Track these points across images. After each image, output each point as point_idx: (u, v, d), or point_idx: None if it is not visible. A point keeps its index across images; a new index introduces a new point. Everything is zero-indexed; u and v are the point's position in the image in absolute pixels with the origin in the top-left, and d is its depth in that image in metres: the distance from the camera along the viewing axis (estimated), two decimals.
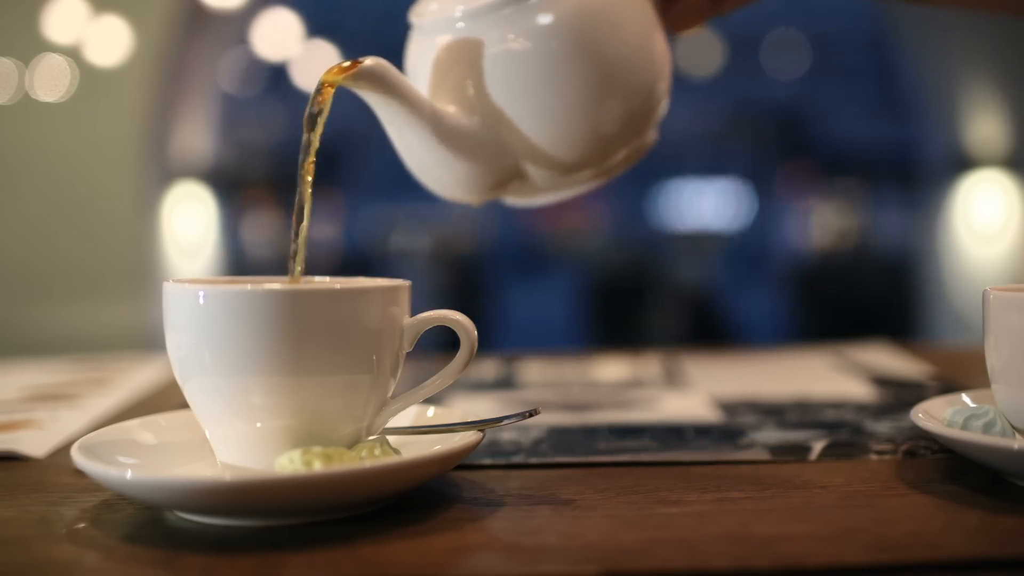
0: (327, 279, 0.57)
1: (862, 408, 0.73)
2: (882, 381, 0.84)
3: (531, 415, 0.52)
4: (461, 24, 0.61)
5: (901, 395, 0.78)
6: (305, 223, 0.54)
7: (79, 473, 0.55)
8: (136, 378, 0.92)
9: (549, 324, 5.44)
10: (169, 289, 0.51)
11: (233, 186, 4.68)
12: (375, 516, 0.47)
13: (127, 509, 0.50)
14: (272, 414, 0.49)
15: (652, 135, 0.67)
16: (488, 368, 0.95)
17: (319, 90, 0.54)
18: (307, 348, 0.49)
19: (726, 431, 0.66)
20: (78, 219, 3.44)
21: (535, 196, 0.67)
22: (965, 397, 0.60)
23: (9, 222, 3.41)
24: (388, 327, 0.51)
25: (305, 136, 0.54)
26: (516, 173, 0.63)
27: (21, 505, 0.51)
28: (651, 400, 0.78)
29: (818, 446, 0.61)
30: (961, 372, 0.88)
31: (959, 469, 0.54)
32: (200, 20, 3.64)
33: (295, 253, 0.54)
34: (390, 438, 0.53)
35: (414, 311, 0.53)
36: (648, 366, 0.95)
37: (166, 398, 0.82)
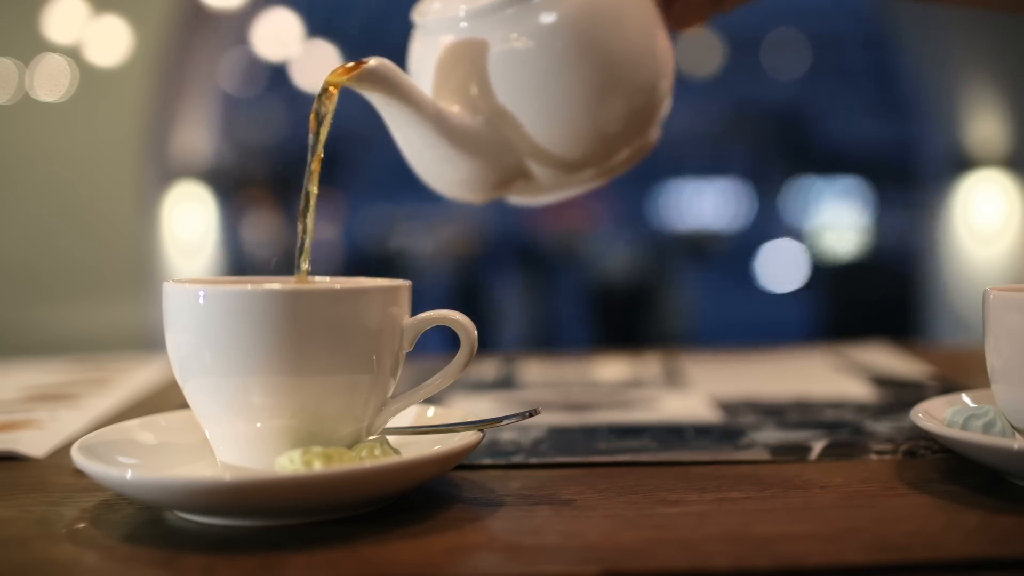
0: (327, 279, 0.57)
1: (862, 408, 0.73)
2: (882, 381, 0.84)
3: (531, 415, 0.52)
4: (464, 24, 0.61)
5: (901, 395, 0.78)
6: (311, 222, 0.54)
7: (79, 473, 0.55)
8: (136, 378, 0.92)
9: (550, 324, 5.43)
10: (169, 289, 0.51)
11: (233, 186, 4.68)
12: (375, 516, 0.47)
13: (127, 509, 0.50)
14: (272, 414, 0.49)
15: (655, 134, 0.67)
16: (488, 368, 0.95)
17: (324, 91, 0.54)
18: (307, 348, 0.49)
19: (726, 431, 0.66)
20: (78, 219, 3.44)
21: (538, 195, 0.67)
22: (965, 397, 0.60)
23: (9, 222, 3.41)
24: (388, 327, 0.51)
25: (311, 137, 0.54)
26: (519, 172, 0.63)
27: (21, 505, 0.51)
28: (651, 400, 0.78)
29: (818, 446, 0.61)
30: (961, 372, 0.88)
31: (959, 469, 0.54)
32: (200, 20, 3.64)
33: (300, 249, 0.54)
34: (390, 438, 0.53)
35: (414, 311, 0.53)
36: (648, 366, 0.95)
37: (166, 398, 0.82)
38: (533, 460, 0.58)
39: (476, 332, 0.53)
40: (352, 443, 0.52)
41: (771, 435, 0.64)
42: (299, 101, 4.26)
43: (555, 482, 0.54)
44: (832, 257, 5.89)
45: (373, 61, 0.56)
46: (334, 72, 0.55)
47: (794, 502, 0.49)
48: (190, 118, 3.91)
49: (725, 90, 6.06)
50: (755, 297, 5.94)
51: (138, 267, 3.55)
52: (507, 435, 0.64)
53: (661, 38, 0.64)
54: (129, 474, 0.47)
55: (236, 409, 0.50)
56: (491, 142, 0.61)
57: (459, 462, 0.51)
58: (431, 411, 0.58)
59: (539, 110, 0.61)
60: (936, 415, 0.55)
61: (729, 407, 0.74)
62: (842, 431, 0.65)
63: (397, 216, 5.78)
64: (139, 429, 0.55)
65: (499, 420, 0.52)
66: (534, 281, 5.38)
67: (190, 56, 3.74)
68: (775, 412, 0.72)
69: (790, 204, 6.45)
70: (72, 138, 3.41)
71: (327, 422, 0.50)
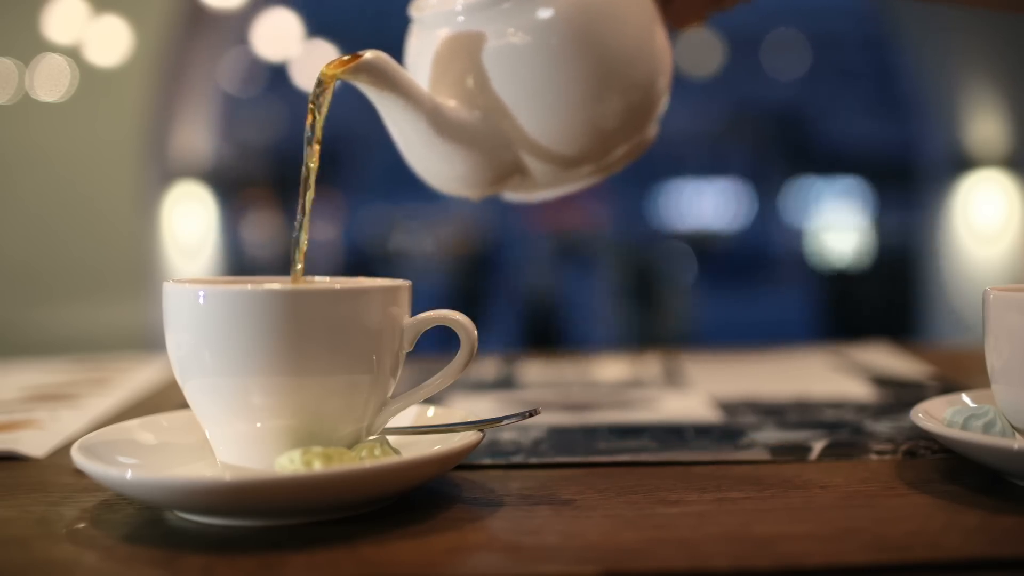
0: (327, 279, 0.57)
1: (862, 408, 0.73)
2: (882, 381, 0.84)
3: (531, 415, 0.52)
4: (461, 18, 0.61)
5: (901, 395, 0.78)
6: (306, 220, 0.54)
7: (79, 473, 0.55)
8: (136, 378, 0.92)
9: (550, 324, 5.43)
10: (169, 289, 0.51)
11: (233, 186, 4.68)
12: (375, 516, 0.47)
13: (127, 509, 0.50)
14: (272, 414, 0.49)
15: (653, 131, 0.67)
16: (488, 368, 0.95)
17: (319, 84, 0.54)
18: (307, 348, 0.49)
19: (726, 431, 0.66)
20: (78, 219, 3.44)
21: (535, 191, 0.67)
22: (965, 397, 0.60)
23: (9, 222, 3.41)
24: (388, 327, 0.51)
25: (307, 132, 0.54)
26: (516, 168, 0.63)
27: (21, 505, 0.51)
28: (651, 400, 0.78)
29: (818, 446, 0.61)
30: (961, 372, 0.88)
31: (959, 469, 0.54)
32: (200, 20, 3.65)
33: (295, 246, 0.54)
34: (390, 438, 0.53)
35: (414, 311, 0.53)
36: (648, 366, 0.95)
37: (166, 398, 0.82)
38: (533, 460, 0.58)
39: (476, 332, 0.53)
40: (352, 443, 0.51)
41: (771, 435, 0.64)
42: (299, 101, 4.25)
43: (555, 482, 0.54)
44: (832, 257, 5.89)
45: (369, 54, 0.55)
46: (330, 64, 0.55)
47: (794, 502, 0.49)
48: (190, 118, 3.91)
49: (725, 90, 6.06)
50: (755, 297, 5.94)
51: (138, 267, 3.55)
52: (507, 435, 0.64)
53: (659, 35, 0.64)
54: (129, 474, 0.46)
55: (236, 409, 0.50)
56: (487, 137, 0.61)
57: (459, 462, 0.51)
58: (431, 411, 0.58)
59: (536, 105, 0.60)
60: (936, 415, 0.55)
61: (729, 407, 0.74)
62: (842, 431, 0.65)
63: (396, 216, 5.78)
64: (139, 429, 0.55)
65: (499, 420, 0.52)
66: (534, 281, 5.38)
67: (190, 56, 3.74)
68: (775, 412, 0.72)
69: (790, 204, 6.45)
70: (72, 138, 3.42)
71: (327, 422, 0.50)
